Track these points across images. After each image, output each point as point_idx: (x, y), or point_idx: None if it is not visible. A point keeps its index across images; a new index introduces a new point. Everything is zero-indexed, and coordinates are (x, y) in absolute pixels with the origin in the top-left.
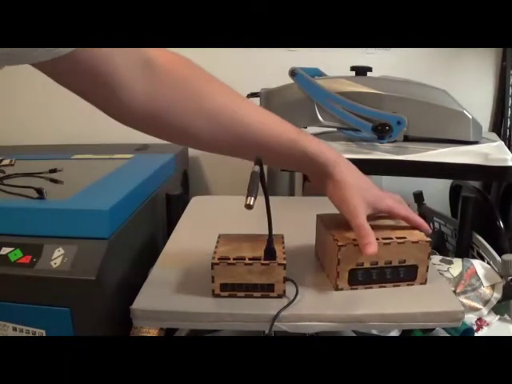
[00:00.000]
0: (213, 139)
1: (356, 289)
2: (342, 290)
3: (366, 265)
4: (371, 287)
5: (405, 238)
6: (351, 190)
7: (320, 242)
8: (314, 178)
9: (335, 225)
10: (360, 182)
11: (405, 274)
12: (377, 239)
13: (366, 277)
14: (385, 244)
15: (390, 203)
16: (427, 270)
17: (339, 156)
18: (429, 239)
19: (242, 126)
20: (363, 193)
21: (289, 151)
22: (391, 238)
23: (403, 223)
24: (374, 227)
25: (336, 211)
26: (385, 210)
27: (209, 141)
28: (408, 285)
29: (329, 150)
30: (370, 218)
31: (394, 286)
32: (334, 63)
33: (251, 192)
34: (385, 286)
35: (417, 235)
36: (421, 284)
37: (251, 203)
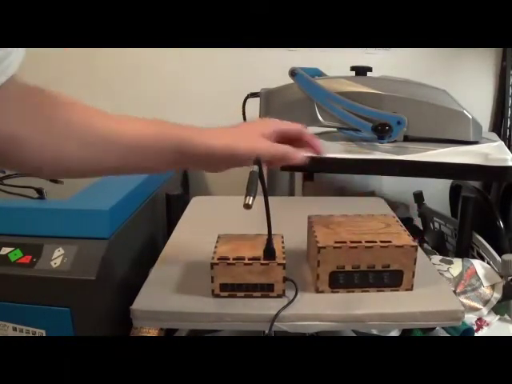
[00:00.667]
0: (91, 162)
1: (337, 292)
2: (322, 292)
3: (348, 268)
4: (353, 291)
5: (389, 242)
6: (246, 140)
7: (308, 244)
8: (202, 167)
9: (322, 226)
10: (240, 129)
11: (389, 279)
12: (359, 242)
13: (348, 280)
14: (367, 247)
15: (285, 125)
16: (413, 276)
17: (202, 128)
18: (415, 244)
19: (115, 140)
20: (251, 132)
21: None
22: (375, 242)
23: (393, 228)
24: (358, 231)
25: (333, 212)
26: (281, 128)
27: (86, 164)
28: (392, 290)
29: (191, 127)
30: None
31: (377, 290)
32: (334, 63)
33: (250, 192)
34: (368, 291)
35: (403, 239)
36: (406, 290)
37: (250, 203)
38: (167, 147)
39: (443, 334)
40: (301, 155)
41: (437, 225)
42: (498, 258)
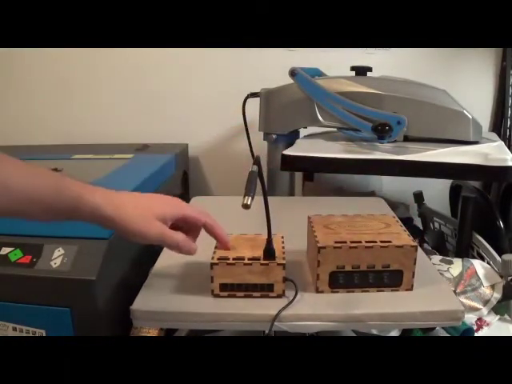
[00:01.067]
0: None
1: (337, 292)
2: (322, 292)
3: (348, 268)
4: (353, 291)
5: (389, 242)
6: (136, 220)
7: (308, 244)
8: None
9: (323, 226)
10: (139, 205)
11: (389, 278)
12: (359, 242)
13: (348, 280)
14: (367, 247)
15: (187, 211)
16: (413, 276)
17: (107, 191)
18: (415, 244)
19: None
20: (147, 212)
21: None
22: (375, 242)
23: (393, 228)
24: (358, 231)
25: (333, 212)
26: (182, 216)
27: None
28: (392, 290)
29: (94, 190)
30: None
31: (377, 290)
32: (334, 63)
33: (249, 192)
34: (368, 291)
35: (403, 239)
36: (406, 290)
37: (248, 203)
38: (63, 198)
39: (443, 334)
40: (193, 249)
41: (437, 225)
42: (498, 258)
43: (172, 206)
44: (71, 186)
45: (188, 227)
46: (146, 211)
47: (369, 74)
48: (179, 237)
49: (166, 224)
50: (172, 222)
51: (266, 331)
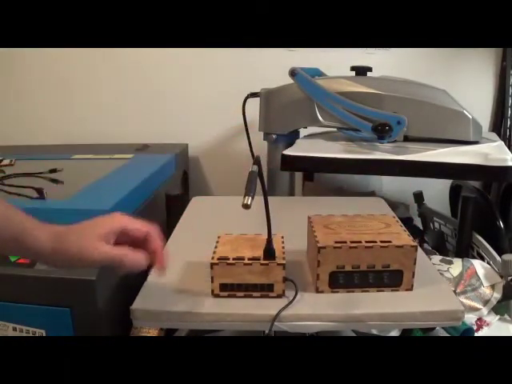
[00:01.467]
0: None
1: (337, 292)
2: (322, 292)
3: (348, 268)
4: (353, 291)
5: (389, 242)
6: (79, 247)
7: (308, 244)
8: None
9: (322, 226)
10: (77, 232)
11: (389, 278)
12: (359, 242)
13: (348, 280)
14: (367, 247)
15: (127, 223)
16: (413, 276)
17: (48, 226)
18: (415, 244)
19: None
20: (90, 235)
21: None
22: (375, 242)
23: (393, 228)
24: (358, 231)
25: (333, 212)
26: (122, 228)
27: None
28: (392, 290)
29: (37, 226)
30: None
31: (377, 291)
32: (334, 63)
33: (249, 192)
34: (368, 291)
35: (403, 239)
36: (406, 290)
37: (248, 203)
38: (9, 228)
39: (443, 334)
40: (141, 260)
41: (437, 225)
42: (498, 258)
43: (110, 221)
44: (18, 216)
45: (132, 241)
46: (88, 234)
47: (369, 73)
48: (123, 252)
49: (109, 242)
50: (115, 237)
51: (266, 331)
